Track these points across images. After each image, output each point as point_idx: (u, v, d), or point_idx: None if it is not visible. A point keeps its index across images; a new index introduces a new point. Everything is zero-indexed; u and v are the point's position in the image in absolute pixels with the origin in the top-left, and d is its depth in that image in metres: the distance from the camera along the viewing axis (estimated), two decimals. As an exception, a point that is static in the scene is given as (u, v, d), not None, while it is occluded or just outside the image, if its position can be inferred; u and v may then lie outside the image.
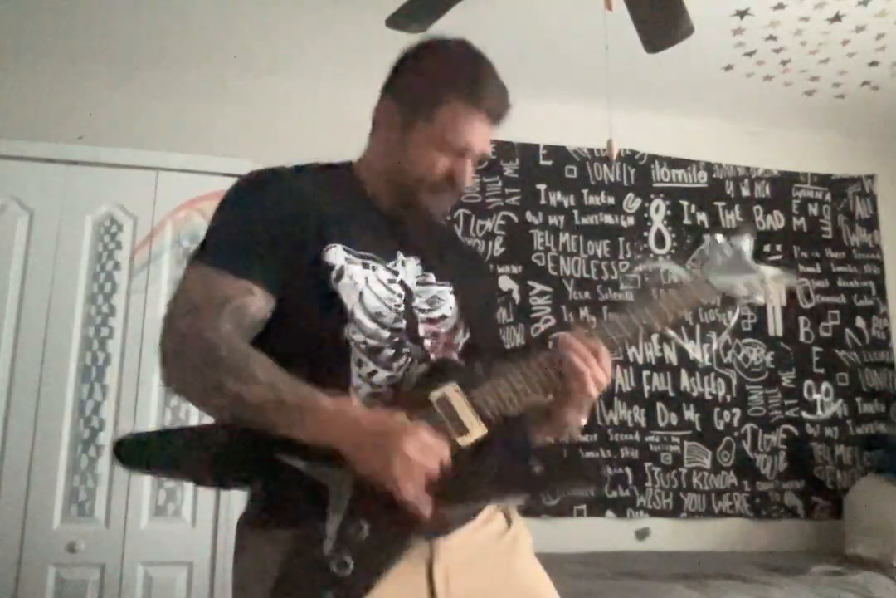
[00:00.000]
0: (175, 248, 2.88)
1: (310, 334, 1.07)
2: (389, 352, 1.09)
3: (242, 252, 1.07)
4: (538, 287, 3.13)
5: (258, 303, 1.05)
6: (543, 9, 2.61)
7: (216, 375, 0.98)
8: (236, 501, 2.65)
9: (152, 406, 2.73)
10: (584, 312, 3.14)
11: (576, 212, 3.25)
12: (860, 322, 3.40)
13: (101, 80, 2.95)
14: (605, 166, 3.31)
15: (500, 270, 3.11)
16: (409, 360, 1.10)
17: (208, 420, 1.07)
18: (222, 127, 2.98)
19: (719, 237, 1.20)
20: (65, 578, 2.57)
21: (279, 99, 3.06)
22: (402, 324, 1.11)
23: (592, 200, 3.28)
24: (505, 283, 3.11)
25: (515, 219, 3.19)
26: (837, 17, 2.69)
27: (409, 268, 1.17)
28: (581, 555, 2.74)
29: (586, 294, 3.16)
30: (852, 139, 3.57)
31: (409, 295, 1.14)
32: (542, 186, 3.24)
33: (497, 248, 3.14)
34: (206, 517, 2.70)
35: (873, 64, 2.99)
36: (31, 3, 2.60)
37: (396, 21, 2.25)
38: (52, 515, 2.60)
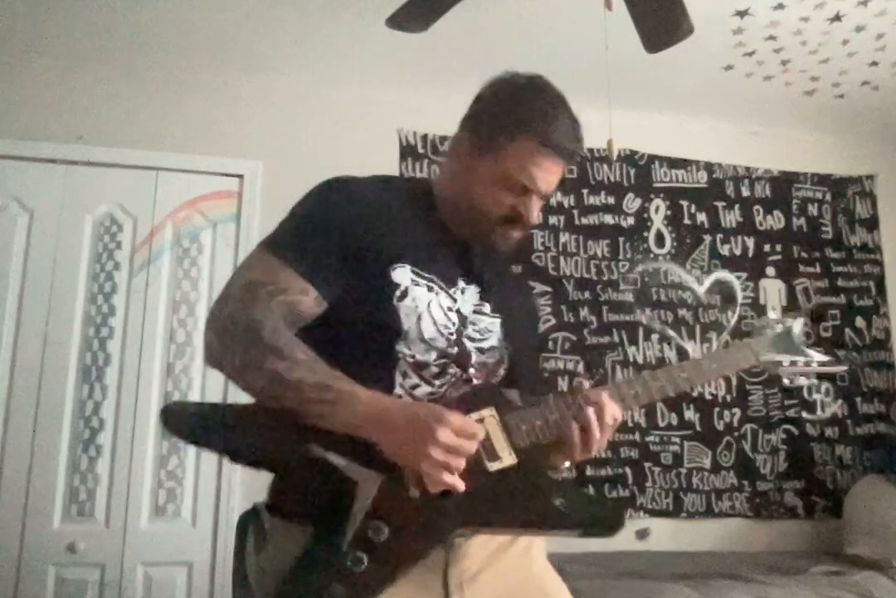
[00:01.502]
0: (175, 248, 2.88)
1: (363, 342, 1.10)
2: (435, 370, 1.11)
3: (310, 253, 1.09)
4: (538, 287, 3.13)
5: (308, 304, 1.07)
6: (543, 8, 2.61)
7: (258, 351, 1.00)
8: (236, 501, 2.66)
9: (152, 406, 2.73)
10: (583, 312, 3.14)
11: (576, 212, 3.25)
12: (860, 322, 3.40)
13: (100, 79, 2.95)
14: (605, 166, 3.31)
15: (500, 270, 3.11)
16: (453, 380, 1.12)
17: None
18: (222, 127, 2.98)
19: (772, 314, 1.28)
20: (65, 578, 2.57)
21: (279, 99, 3.06)
22: (455, 351, 1.13)
23: (592, 200, 3.28)
24: (505, 283, 3.11)
25: (515, 219, 3.18)
26: (837, 17, 2.69)
27: (468, 296, 1.19)
28: (581, 555, 2.73)
29: (586, 294, 3.16)
30: (852, 139, 3.57)
31: (462, 323, 1.16)
32: (542, 186, 3.23)
33: (497, 248, 3.13)
34: (206, 517, 2.70)
35: (873, 64, 2.99)
36: (32, 3, 2.60)
37: (396, 21, 2.25)
38: (52, 515, 2.60)
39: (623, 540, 2.98)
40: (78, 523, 2.62)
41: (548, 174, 1.15)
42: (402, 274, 1.11)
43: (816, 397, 3.29)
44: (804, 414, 3.25)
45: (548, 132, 1.14)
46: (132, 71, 2.97)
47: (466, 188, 1.17)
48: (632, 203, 3.31)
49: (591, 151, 3.29)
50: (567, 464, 1.15)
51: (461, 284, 1.18)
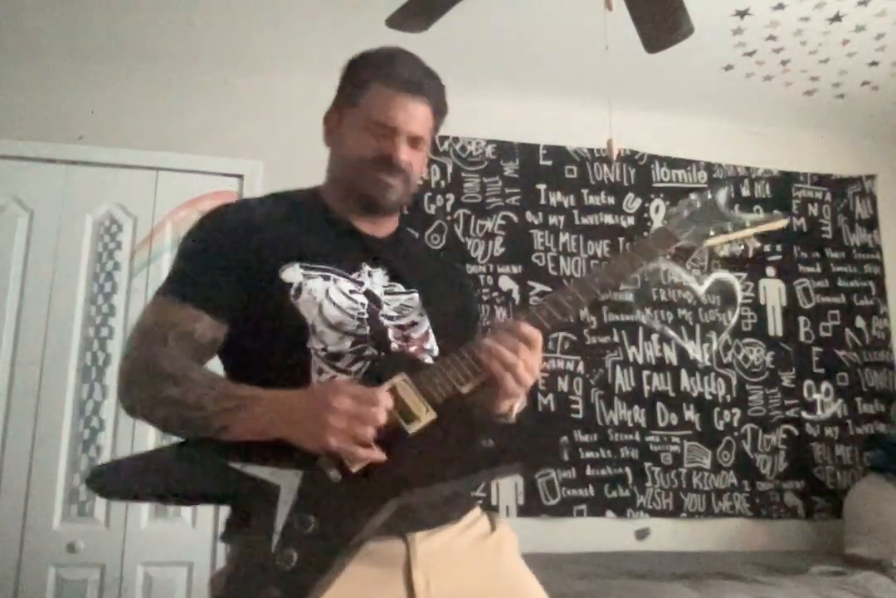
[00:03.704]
0: (175, 248, 2.88)
1: (274, 349, 1.11)
2: (350, 357, 1.11)
3: (193, 282, 1.12)
4: (538, 287, 3.13)
5: (204, 329, 1.10)
6: (544, 9, 2.61)
7: (156, 383, 1.03)
8: (236, 501, 2.65)
9: (152, 406, 2.73)
10: (583, 312, 3.14)
11: (576, 212, 3.25)
12: (860, 322, 3.40)
13: (101, 79, 2.95)
14: (605, 166, 3.31)
15: (500, 270, 3.11)
16: (370, 363, 1.11)
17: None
18: (222, 127, 2.98)
19: (692, 195, 1.19)
20: (65, 578, 2.57)
21: (279, 98, 3.06)
22: (366, 331, 1.12)
23: (592, 200, 3.28)
24: (505, 283, 3.11)
25: (515, 219, 3.19)
26: (837, 17, 2.69)
27: (377, 278, 1.18)
28: (581, 555, 2.74)
29: (586, 294, 3.16)
30: (852, 139, 3.58)
31: (375, 303, 1.16)
32: (542, 186, 3.24)
33: (497, 248, 3.14)
34: (206, 517, 2.70)
35: (873, 64, 2.99)
36: (32, 2, 2.60)
37: (397, 21, 2.25)
38: (52, 515, 2.60)
39: (623, 540, 2.98)
40: (78, 523, 2.62)
41: (404, 111, 1.17)
42: (291, 273, 1.11)
43: (816, 397, 3.29)
44: (804, 414, 3.25)
45: (392, 73, 1.18)
46: (132, 71, 2.97)
47: (340, 151, 1.22)
48: (632, 203, 3.31)
49: (591, 151, 3.30)
50: (515, 405, 1.12)
51: (366, 268, 1.18)
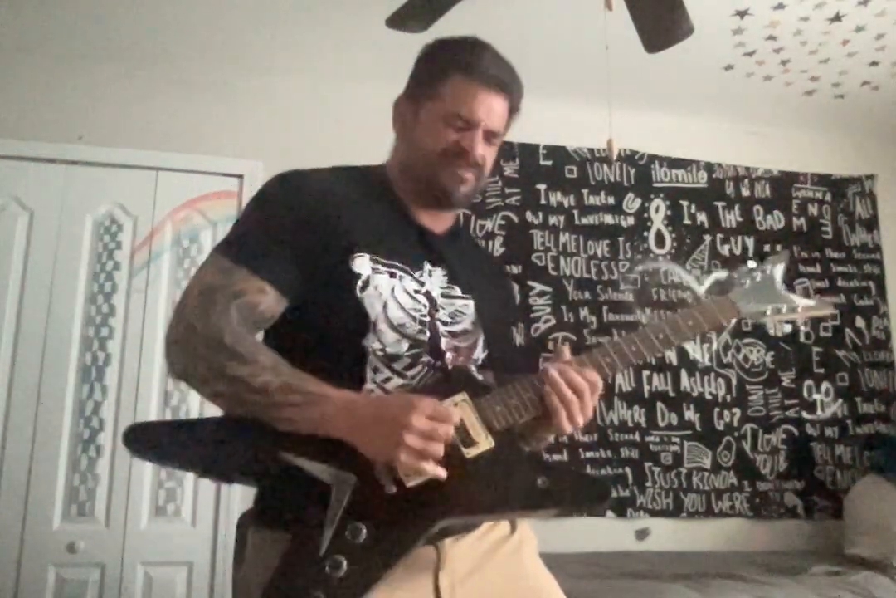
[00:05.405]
0: (175, 248, 2.88)
1: (330, 338, 1.08)
2: (406, 361, 1.09)
3: (263, 251, 1.07)
4: (538, 287, 3.13)
5: (268, 302, 1.05)
6: (543, 9, 2.61)
7: (220, 359, 0.99)
8: (236, 501, 2.66)
9: (152, 406, 2.73)
10: (583, 312, 3.14)
11: (576, 212, 3.25)
12: (860, 322, 3.40)
13: (100, 79, 2.95)
14: (605, 166, 3.31)
15: (500, 270, 3.11)
16: (426, 370, 1.10)
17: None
18: (222, 127, 2.98)
19: (751, 263, 1.21)
20: (65, 578, 2.57)
21: (279, 98, 3.06)
22: (426, 336, 1.11)
23: (592, 200, 3.28)
24: (505, 283, 3.11)
25: (515, 219, 3.19)
26: (837, 17, 2.69)
27: (435, 278, 1.17)
28: (581, 555, 2.74)
29: (586, 294, 3.16)
30: (852, 139, 3.57)
31: (433, 306, 1.14)
32: (542, 186, 3.24)
33: (497, 248, 3.14)
34: (206, 517, 2.70)
35: (873, 64, 2.99)
36: (31, 2, 2.60)
37: (396, 21, 2.25)
38: (52, 515, 2.60)
39: (623, 540, 2.98)
40: (78, 523, 2.62)
41: (485, 105, 1.16)
42: (361, 263, 1.09)
43: (816, 397, 3.28)
44: (804, 414, 3.25)
45: (475, 65, 1.15)
46: (132, 71, 2.97)
47: (413, 141, 1.19)
48: (632, 203, 3.31)
49: (591, 151, 3.30)
50: (551, 436, 1.14)
51: (427, 267, 1.16)
